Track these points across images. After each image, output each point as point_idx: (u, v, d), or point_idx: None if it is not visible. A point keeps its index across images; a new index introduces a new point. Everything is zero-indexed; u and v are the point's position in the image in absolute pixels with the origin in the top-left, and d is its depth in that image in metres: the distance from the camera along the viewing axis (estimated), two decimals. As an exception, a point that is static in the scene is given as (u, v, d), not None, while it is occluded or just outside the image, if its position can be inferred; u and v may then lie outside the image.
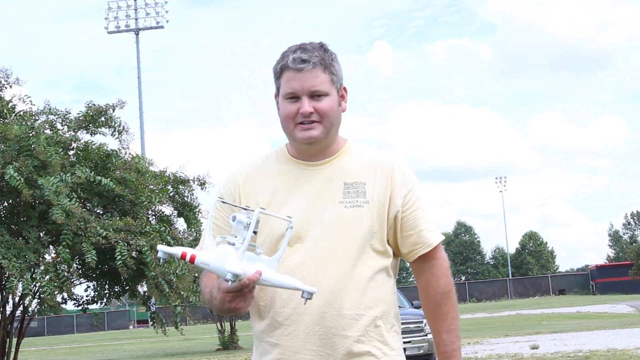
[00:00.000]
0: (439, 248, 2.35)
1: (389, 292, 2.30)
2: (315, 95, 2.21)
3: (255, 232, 2.02)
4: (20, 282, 9.09)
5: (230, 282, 1.97)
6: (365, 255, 2.24)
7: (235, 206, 2.13)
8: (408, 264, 2.42)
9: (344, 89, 2.31)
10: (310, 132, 2.23)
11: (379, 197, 2.26)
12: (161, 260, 2.04)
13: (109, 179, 9.58)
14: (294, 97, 2.22)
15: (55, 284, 9.18)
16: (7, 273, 8.90)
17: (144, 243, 9.33)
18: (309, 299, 2.06)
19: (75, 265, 10.01)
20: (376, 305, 2.25)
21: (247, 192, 2.30)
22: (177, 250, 2.02)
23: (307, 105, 2.20)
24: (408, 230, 2.30)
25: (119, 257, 9.06)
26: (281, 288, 2.08)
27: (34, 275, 9.19)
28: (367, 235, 2.23)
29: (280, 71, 2.24)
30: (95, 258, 9.04)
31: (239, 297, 2.03)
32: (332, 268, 2.20)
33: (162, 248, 2.02)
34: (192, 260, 2.00)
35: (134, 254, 9.42)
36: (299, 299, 2.09)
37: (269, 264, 2.06)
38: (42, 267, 9.11)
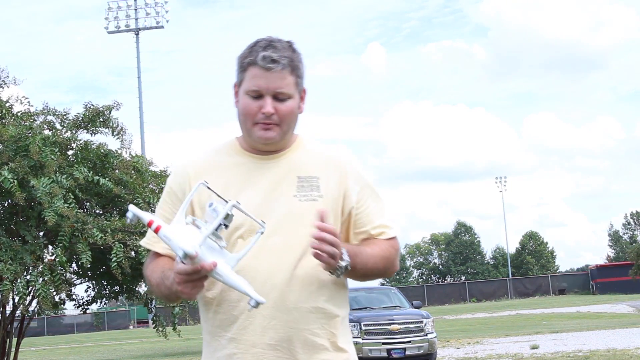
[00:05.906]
0: (395, 240, 2.33)
1: (342, 290, 2.28)
2: (278, 97, 2.19)
3: (226, 226, 1.99)
4: (14, 285, 9.04)
5: (179, 260, 1.93)
6: None
7: (216, 194, 2.07)
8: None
9: (304, 91, 2.28)
10: (269, 133, 2.20)
11: (332, 192, 2.25)
12: (128, 220, 2.02)
13: (107, 179, 9.52)
14: (258, 95, 2.19)
15: (51, 286, 9.14)
16: (1, 276, 8.83)
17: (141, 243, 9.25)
18: (255, 307, 2.00)
19: (72, 267, 9.96)
20: (331, 300, 2.23)
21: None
22: (146, 216, 2.01)
23: (269, 106, 2.17)
24: (361, 227, 2.28)
25: (114, 258, 9.02)
26: (230, 287, 2.03)
27: (29, 278, 9.13)
28: None
29: (247, 65, 2.19)
30: (90, 259, 8.98)
31: (189, 281, 2.00)
32: (286, 261, 2.16)
33: (132, 209, 2.01)
34: (157, 230, 1.99)
35: (132, 254, 9.37)
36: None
37: (227, 260, 2.02)
38: (38, 269, 9.03)
